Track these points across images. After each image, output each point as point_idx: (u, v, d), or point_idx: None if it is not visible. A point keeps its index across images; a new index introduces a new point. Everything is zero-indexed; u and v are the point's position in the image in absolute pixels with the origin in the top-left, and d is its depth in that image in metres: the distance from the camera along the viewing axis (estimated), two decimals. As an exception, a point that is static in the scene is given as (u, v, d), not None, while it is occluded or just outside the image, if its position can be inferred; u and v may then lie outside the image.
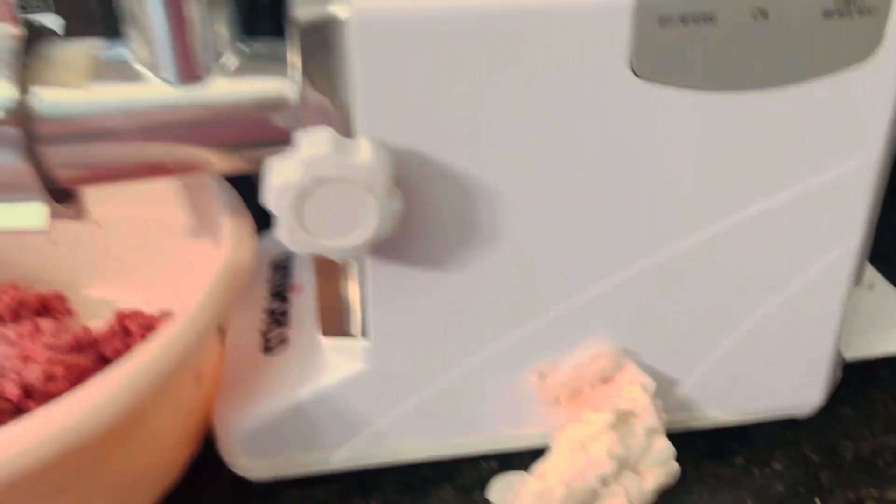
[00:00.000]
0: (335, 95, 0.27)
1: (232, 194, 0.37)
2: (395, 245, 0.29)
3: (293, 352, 0.34)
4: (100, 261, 0.43)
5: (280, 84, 0.30)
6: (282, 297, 0.38)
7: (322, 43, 0.27)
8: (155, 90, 0.29)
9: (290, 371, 0.33)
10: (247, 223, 0.35)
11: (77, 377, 0.36)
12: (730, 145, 0.29)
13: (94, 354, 0.38)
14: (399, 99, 0.27)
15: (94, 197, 0.34)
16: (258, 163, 0.32)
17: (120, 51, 0.30)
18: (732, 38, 0.27)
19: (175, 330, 0.29)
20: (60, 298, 0.43)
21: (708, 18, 0.27)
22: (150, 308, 0.41)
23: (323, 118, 0.28)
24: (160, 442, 0.32)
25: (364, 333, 0.32)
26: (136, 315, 0.40)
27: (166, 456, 0.33)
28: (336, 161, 0.25)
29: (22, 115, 0.28)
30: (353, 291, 0.32)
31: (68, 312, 0.43)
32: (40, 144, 0.29)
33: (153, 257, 0.42)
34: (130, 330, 0.39)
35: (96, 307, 0.44)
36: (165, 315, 0.40)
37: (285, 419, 0.33)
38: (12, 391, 0.34)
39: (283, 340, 0.35)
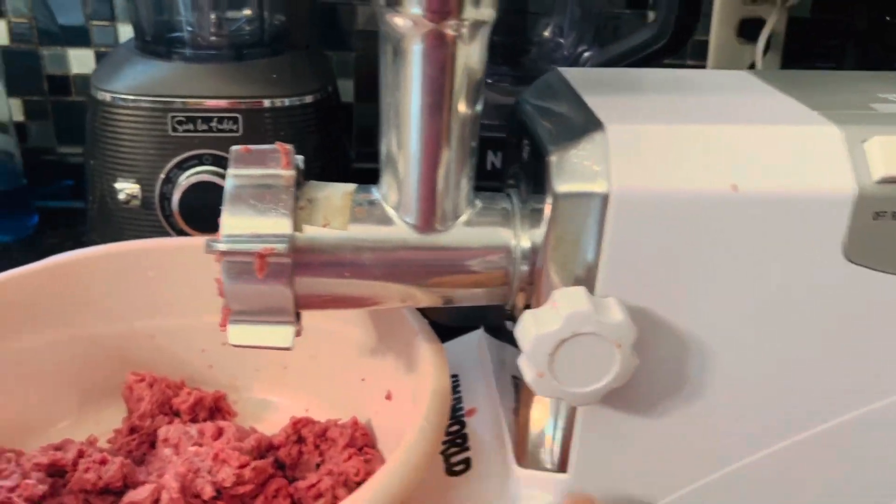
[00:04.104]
0: (578, 255, 0.31)
1: (422, 320, 0.39)
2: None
3: (479, 477, 0.36)
4: (264, 364, 0.46)
5: (504, 234, 0.34)
6: (457, 419, 0.40)
7: (576, 211, 0.30)
8: (399, 233, 0.33)
9: (479, 497, 0.35)
10: (442, 350, 0.38)
11: (260, 481, 0.38)
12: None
13: (272, 459, 0.40)
14: (639, 264, 0.30)
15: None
16: (459, 300, 0.35)
17: (373, 194, 0.33)
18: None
19: (402, 457, 0.31)
20: (223, 399, 0.45)
21: (916, 215, 0.30)
22: (313, 415, 0.43)
23: (562, 273, 0.31)
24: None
25: (561, 468, 0.34)
26: (309, 422, 0.42)
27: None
28: (595, 318, 0.28)
29: (292, 249, 0.31)
30: (550, 427, 0.35)
31: (232, 413, 0.45)
32: (298, 275, 0.32)
33: (321, 367, 0.44)
34: (304, 437, 0.41)
35: (256, 408, 0.46)
36: (333, 423, 0.42)
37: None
38: (208, 492, 0.36)
39: (466, 464, 0.37)
